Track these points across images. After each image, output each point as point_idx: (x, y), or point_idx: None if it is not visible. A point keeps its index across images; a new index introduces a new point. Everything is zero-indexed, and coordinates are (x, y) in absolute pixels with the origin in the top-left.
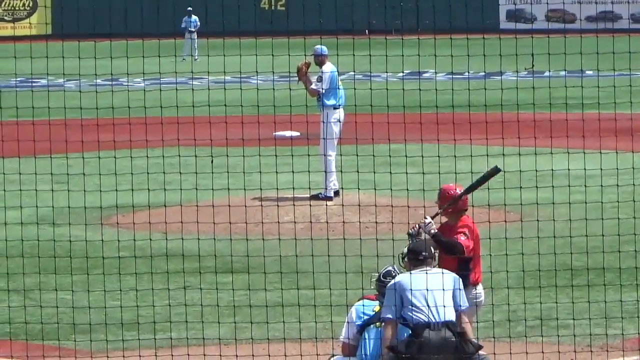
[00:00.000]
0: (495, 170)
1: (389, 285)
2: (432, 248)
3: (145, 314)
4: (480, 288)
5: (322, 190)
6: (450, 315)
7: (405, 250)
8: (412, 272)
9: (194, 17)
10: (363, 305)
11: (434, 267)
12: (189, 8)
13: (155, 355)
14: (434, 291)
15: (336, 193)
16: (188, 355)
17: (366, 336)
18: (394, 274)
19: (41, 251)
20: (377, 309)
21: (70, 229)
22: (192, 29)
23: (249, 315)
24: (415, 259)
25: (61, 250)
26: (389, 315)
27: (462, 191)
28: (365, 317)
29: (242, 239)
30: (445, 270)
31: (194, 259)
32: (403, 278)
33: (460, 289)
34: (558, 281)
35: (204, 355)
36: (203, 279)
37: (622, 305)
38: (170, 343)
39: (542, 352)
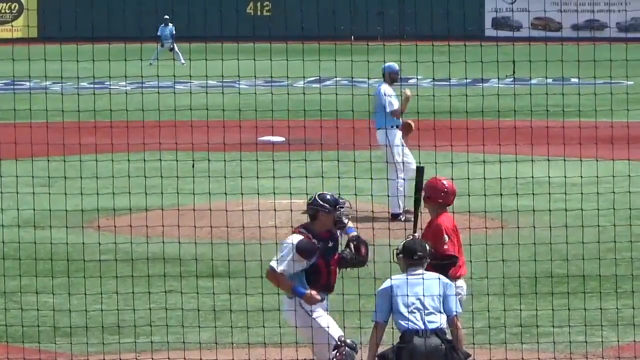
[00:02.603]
0: (420, 171)
1: (381, 287)
2: (427, 247)
3: (126, 317)
4: (461, 282)
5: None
6: (440, 323)
7: (401, 247)
8: (405, 275)
9: (170, 26)
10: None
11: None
12: (166, 17)
13: (136, 358)
14: (425, 297)
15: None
16: (169, 359)
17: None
18: (328, 197)
19: (23, 254)
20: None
21: (52, 232)
22: (169, 39)
23: (230, 320)
24: (410, 258)
25: (43, 253)
26: (378, 319)
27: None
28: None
29: (223, 244)
30: (437, 275)
31: (175, 263)
32: (395, 282)
33: (452, 295)
34: (539, 289)
35: (185, 359)
36: (184, 283)
37: (603, 313)
38: (151, 347)
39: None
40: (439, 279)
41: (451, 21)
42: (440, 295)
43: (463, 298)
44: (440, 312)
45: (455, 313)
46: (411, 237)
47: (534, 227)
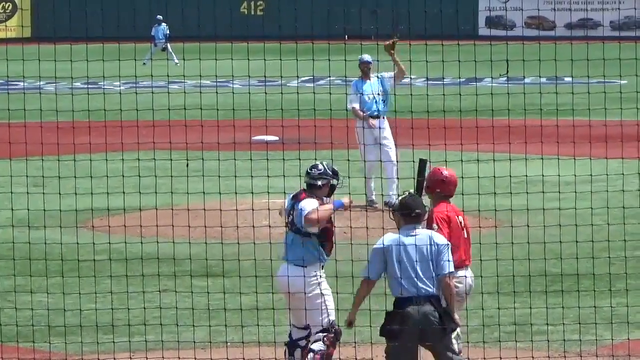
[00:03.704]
0: (423, 164)
1: (375, 245)
2: (424, 205)
3: (120, 317)
4: (460, 273)
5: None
6: (432, 289)
7: (397, 202)
8: (399, 235)
9: (163, 25)
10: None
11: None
12: (159, 17)
13: (130, 358)
14: (418, 262)
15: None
16: (163, 358)
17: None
18: (320, 167)
19: (17, 254)
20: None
21: (46, 232)
22: (161, 39)
23: (225, 319)
24: (407, 215)
25: (37, 253)
26: (367, 275)
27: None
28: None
29: (217, 243)
30: (429, 233)
31: (169, 263)
32: (390, 244)
33: (444, 253)
34: (533, 287)
35: (179, 358)
36: (179, 283)
37: (597, 312)
38: (145, 346)
39: (516, 358)
40: (432, 238)
41: (444, 20)
42: (434, 258)
43: (465, 289)
44: (433, 277)
45: (446, 273)
46: (407, 193)
47: (528, 226)
